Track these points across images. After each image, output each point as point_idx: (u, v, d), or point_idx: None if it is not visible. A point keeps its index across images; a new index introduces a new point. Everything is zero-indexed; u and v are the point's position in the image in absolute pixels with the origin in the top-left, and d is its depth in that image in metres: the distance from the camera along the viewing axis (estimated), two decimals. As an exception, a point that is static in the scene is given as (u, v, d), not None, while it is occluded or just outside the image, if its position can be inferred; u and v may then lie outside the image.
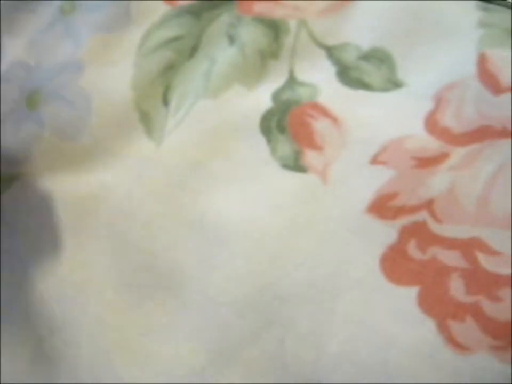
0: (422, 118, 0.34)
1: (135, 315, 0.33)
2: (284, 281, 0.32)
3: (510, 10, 0.35)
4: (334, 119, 0.35)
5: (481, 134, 0.33)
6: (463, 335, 0.29)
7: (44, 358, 0.33)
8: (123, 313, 0.33)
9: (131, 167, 0.36)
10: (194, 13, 0.39)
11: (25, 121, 0.39)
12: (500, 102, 0.33)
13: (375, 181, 0.33)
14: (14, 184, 0.37)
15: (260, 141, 0.35)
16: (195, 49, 0.38)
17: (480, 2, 0.36)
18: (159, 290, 0.33)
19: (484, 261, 0.30)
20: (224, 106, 0.36)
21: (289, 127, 0.35)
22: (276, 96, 0.36)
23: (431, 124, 0.34)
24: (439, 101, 0.34)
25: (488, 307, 0.29)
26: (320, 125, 0.35)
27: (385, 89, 0.35)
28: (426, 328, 0.30)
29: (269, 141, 0.35)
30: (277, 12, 0.38)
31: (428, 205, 0.32)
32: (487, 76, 0.34)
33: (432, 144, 0.33)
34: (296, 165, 0.34)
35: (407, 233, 0.31)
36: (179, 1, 0.39)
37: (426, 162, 0.33)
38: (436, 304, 0.30)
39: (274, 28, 0.37)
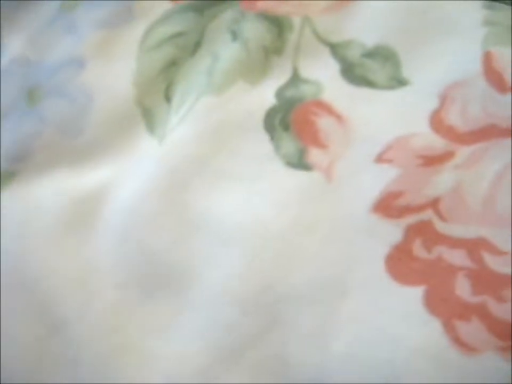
0: (427, 116, 0.34)
1: (138, 314, 0.33)
2: (288, 280, 0.32)
3: (515, 9, 0.35)
4: (338, 117, 0.35)
5: (487, 132, 0.32)
6: (469, 335, 0.29)
7: (44, 358, 0.33)
8: (125, 312, 0.33)
9: (133, 164, 0.36)
10: (197, 9, 0.38)
11: (26, 117, 0.38)
12: (506, 100, 0.33)
13: (380, 179, 0.33)
14: (14, 181, 0.37)
15: (264, 138, 0.35)
16: (198, 45, 0.38)
17: (485, 1, 0.36)
18: (161, 290, 0.33)
19: (490, 260, 0.30)
20: (227, 103, 0.36)
21: (293, 124, 0.35)
22: (279, 93, 0.36)
23: (436, 122, 0.33)
24: (444, 99, 0.34)
25: (494, 307, 0.29)
26: (324, 123, 0.35)
27: (389, 87, 0.35)
28: (432, 328, 0.29)
29: (273, 138, 0.35)
30: (280, 8, 0.38)
31: (434, 204, 0.32)
32: (492, 74, 0.34)
33: (438, 143, 0.33)
34: (300, 163, 0.34)
35: (412, 232, 0.31)
36: (182, -1, 0.39)
37: (432, 160, 0.32)
38: (441, 304, 0.30)
39: (278, 24, 0.37)
